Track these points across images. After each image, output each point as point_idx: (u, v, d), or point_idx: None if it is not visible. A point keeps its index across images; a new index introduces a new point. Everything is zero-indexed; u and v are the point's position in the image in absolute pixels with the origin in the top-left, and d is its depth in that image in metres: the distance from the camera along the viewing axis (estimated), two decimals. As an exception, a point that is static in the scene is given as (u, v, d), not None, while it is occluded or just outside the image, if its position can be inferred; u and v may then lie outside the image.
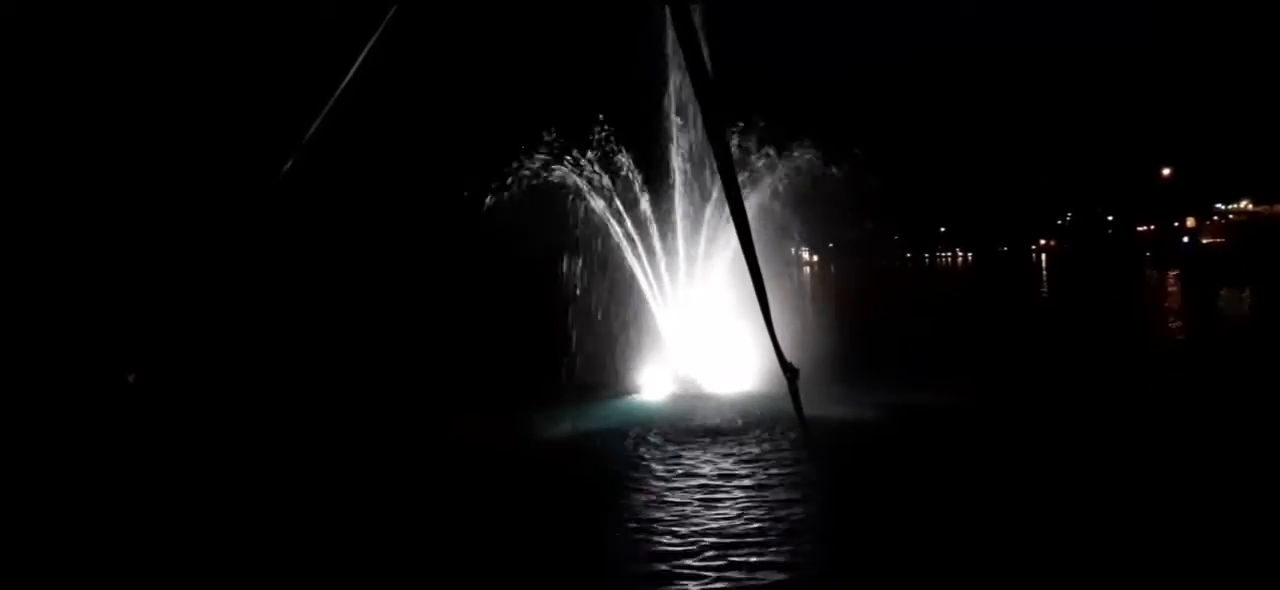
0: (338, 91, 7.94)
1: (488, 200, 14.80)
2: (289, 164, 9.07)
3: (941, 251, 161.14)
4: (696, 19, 14.44)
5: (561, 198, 14.98)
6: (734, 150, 15.02)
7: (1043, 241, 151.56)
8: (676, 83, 15.21)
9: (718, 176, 10.41)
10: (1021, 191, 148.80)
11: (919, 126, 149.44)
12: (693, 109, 14.66)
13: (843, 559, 7.43)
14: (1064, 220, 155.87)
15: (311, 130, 8.33)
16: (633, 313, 15.13)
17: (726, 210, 9.80)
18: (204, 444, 12.58)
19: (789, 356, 11.62)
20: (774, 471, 9.71)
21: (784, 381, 14.63)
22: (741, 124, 15.47)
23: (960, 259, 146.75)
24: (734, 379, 14.39)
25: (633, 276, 15.30)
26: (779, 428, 11.45)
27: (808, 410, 11.42)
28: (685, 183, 15.38)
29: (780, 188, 15.49)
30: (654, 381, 14.85)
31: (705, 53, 10.37)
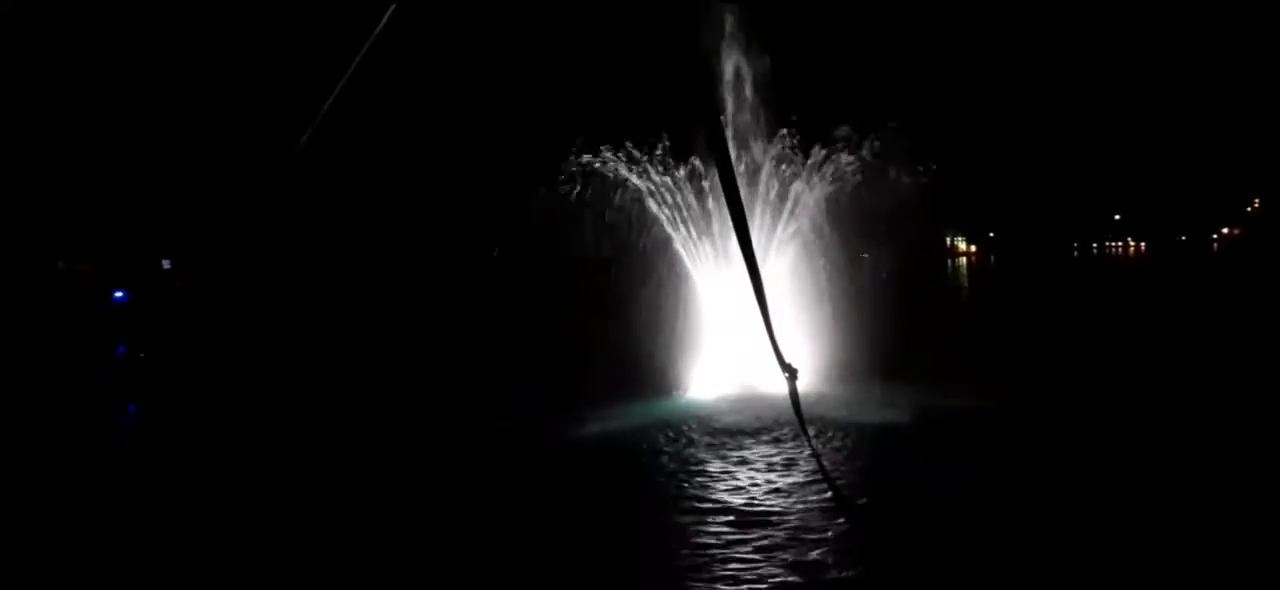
0: (337, 89, 8.03)
1: (541, 192, 14.79)
2: (288, 164, 9.31)
3: (1112, 241, 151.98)
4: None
5: (612, 193, 14.81)
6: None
7: (1224, 230, 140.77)
8: (729, 72, 14.84)
9: (718, 175, 10.18)
10: (1205, 175, 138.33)
11: (1092, 107, 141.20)
12: (737, 97, 14.44)
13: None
14: (1253, 206, 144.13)
15: (310, 129, 8.46)
16: (684, 310, 14.82)
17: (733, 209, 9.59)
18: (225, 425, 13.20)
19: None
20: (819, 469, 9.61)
21: (844, 381, 14.21)
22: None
23: (1132, 249, 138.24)
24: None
25: (686, 272, 14.99)
26: (828, 429, 11.38)
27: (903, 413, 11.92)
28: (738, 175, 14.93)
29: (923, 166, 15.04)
30: (706, 380, 14.52)
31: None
